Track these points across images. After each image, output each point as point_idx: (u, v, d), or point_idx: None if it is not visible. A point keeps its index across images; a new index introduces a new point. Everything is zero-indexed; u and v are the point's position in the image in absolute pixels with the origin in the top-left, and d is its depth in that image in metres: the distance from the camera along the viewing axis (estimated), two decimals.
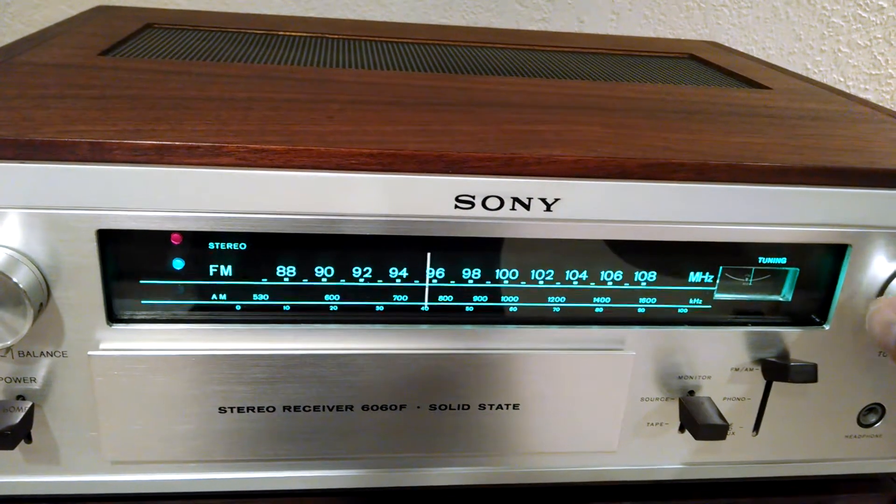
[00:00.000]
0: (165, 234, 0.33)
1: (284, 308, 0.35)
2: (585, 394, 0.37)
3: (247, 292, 0.35)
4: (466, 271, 0.36)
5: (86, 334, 0.33)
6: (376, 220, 0.33)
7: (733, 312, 0.38)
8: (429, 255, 0.35)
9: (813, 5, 0.84)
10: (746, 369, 0.39)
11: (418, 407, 0.37)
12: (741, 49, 0.84)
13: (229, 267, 0.34)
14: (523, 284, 0.36)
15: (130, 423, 0.35)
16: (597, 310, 0.37)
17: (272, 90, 0.40)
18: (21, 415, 0.33)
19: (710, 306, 0.38)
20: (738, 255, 0.37)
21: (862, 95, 0.88)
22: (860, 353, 0.39)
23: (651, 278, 0.37)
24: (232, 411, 0.35)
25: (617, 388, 0.38)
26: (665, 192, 0.34)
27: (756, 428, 0.40)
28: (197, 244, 0.33)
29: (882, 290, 0.37)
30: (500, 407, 0.37)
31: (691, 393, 0.39)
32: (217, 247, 0.34)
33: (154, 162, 0.31)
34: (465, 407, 0.37)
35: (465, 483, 0.40)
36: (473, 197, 0.33)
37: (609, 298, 0.37)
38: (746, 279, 0.38)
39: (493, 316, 0.37)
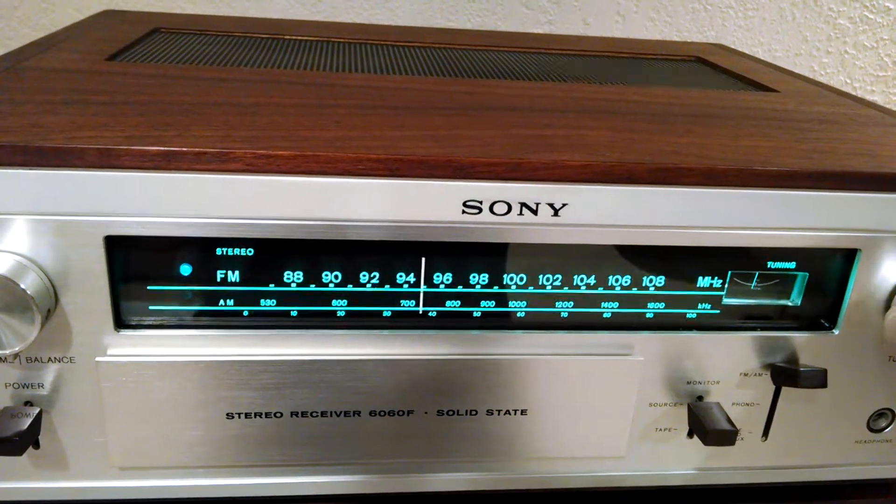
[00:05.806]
0: (173, 240, 0.33)
1: (292, 314, 0.35)
2: (593, 399, 0.37)
3: (254, 298, 0.35)
4: (474, 276, 0.35)
5: (93, 340, 0.33)
6: (383, 226, 0.33)
7: (742, 317, 0.38)
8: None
9: (819, 7, 0.84)
10: (755, 374, 0.38)
11: (426, 412, 0.37)
12: (747, 51, 0.84)
13: (237, 272, 0.34)
14: (531, 290, 0.36)
15: (138, 429, 0.35)
16: (605, 315, 0.37)
17: (279, 95, 0.40)
18: (29, 421, 0.33)
19: (718, 311, 0.38)
20: (746, 259, 0.37)
21: (868, 97, 0.87)
22: (870, 357, 0.39)
23: (659, 283, 0.37)
24: (239, 417, 0.35)
25: (625, 394, 0.37)
26: (673, 197, 0.34)
27: (765, 433, 0.40)
28: (204, 250, 0.33)
29: (892, 295, 0.37)
30: (507, 412, 0.37)
31: (700, 398, 0.39)
32: (224, 252, 0.34)
33: (162, 168, 0.31)
34: (473, 412, 0.37)
35: (472, 488, 0.40)
36: (481, 202, 0.33)
37: (617, 303, 0.37)
38: (755, 284, 0.37)
39: (501, 321, 0.36)
